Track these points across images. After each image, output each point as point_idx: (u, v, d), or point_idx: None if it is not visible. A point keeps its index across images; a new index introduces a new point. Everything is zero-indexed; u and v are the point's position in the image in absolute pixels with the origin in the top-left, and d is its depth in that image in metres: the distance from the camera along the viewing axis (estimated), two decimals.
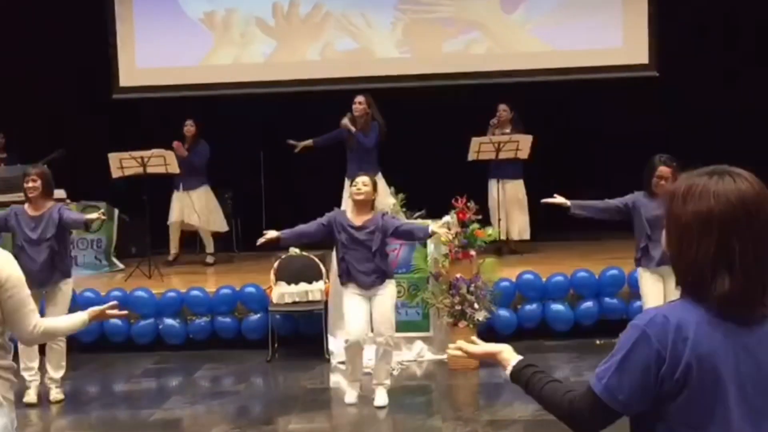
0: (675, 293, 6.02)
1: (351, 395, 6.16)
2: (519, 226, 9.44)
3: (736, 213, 1.75)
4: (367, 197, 6.10)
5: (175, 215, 9.57)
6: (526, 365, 2.06)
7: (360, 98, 8.64)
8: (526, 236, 9.49)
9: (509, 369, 2.08)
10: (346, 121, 8.57)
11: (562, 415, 1.93)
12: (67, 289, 6.40)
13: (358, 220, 6.10)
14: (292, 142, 9.09)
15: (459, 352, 2.25)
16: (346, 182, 8.74)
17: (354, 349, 6.05)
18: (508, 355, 2.11)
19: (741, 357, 1.78)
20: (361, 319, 6.02)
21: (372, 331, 6.18)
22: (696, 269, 1.79)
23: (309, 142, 9.06)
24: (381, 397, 6.08)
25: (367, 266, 6.02)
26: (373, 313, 6.06)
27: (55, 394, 6.34)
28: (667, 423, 1.81)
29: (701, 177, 1.82)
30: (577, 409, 1.89)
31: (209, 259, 9.77)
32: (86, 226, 7.24)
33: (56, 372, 6.36)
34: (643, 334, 1.80)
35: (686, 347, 1.76)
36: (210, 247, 9.80)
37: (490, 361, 2.18)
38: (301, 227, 6.16)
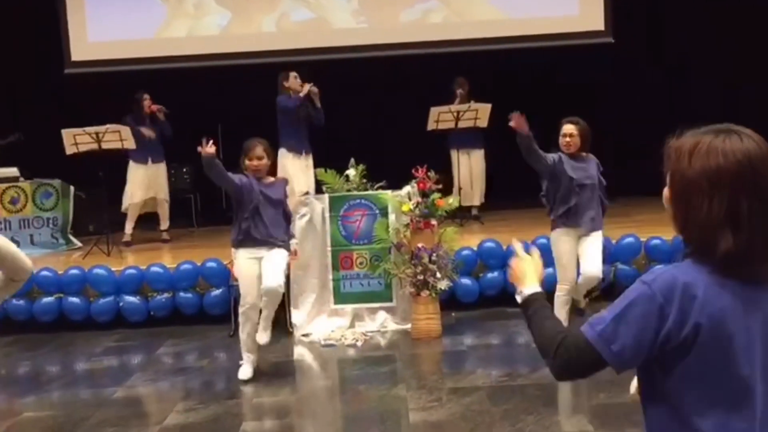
0: (588, 256, 6.04)
1: (246, 371, 6.04)
2: (481, 194, 9.62)
3: (744, 171, 1.75)
4: (265, 171, 6.02)
5: (143, 193, 9.34)
6: (538, 297, 2.05)
7: (294, 73, 8.63)
8: (478, 203, 9.74)
9: (522, 295, 2.06)
10: (314, 88, 8.48)
11: (549, 353, 1.90)
12: None
13: (264, 185, 6.03)
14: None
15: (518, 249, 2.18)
16: (291, 156, 8.59)
17: (249, 313, 5.96)
18: (531, 281, 2.09)
19: (751, 316, 1.79)
20: (256, 283, 5.93)
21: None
22: (705, 228, 1.78)
23: None
24: (261, 336, 6.00)
25: (270, 230, 5.94)
26: (264, 267, 5.93)
27: None
28: (679, 381, 1.81)
29: (707, 135, 1.81)
30: (565, 350, 1.86)
31: (166, 236, 9.69)
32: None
33: None
34: (648, 289, 1.80)
35: (694, 306, 1.76)
36: (166, 223, 9.70)
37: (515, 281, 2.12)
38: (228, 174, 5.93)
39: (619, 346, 1.81)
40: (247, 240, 5.97)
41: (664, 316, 1.78)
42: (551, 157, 6.01)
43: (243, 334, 6.05)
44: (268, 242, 5.97)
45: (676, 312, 1.77)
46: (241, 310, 6.05)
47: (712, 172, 1.77)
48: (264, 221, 5.95)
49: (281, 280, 5.97)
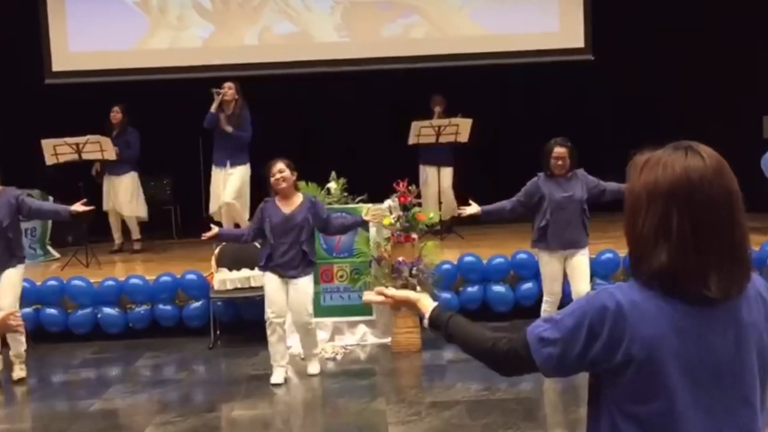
0: (575, 276, 6.14)
1: (278, 375, 6.24)
2: (452, 209, 9.59)
3: (678, 184, 1.72)
4: (289, 184, 6.16)
5: (110, 203, 9.52)
6: (441, 311, 2.13)
7: (230, 84, 8.65)
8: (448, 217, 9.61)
9: (428, 315, 2.15)
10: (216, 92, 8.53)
11: (486, 351, 1.94)
12: (19, 273, 6.44)
13: (287, 208, 6.16)
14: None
15: (377, 297, 2.30)
16: (215, 171, 8.77)
17: (274, 327, 6.14)
18: (426, 302, 2.19)
19: (688, 339, 1.71)
20: (281, 299, 6.14)
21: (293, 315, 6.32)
22: (640, 243, 1.76)
23: None
24: (313, 367, 6.39)
25: (292, 254, 6.11)
26: (291, 300, 6.17)
27: (18, 371, 6.46)
28: (616, 395, 1.78)
29: (662, 150, 1.80)
30: (506, 349, 1.90)
31: (136, 246, 9.69)
32: (71, 217, 6.84)
33: (17, 348, 6.48)
34: (585, 306, 1.79)
35: (626, 331, 1.72)
36: (136, 233, 9.72)
37: (408, 309, 2.29)
38: (236, 230, 6.45)
39: (547, 353, 1.82)
40: (269, 265, 6.15)
41: (593, 335, 1.75)
42: (521, 197, 6.27)
43: (271, 347, 6.21)
44: (288, 272, 6.12)
45: (607, 336, 1.74)
46: (267, 320, 6.16)
47: (651, 185, 1.75)
48: (282, 250, 6.09)
49: (309, 318, 6.21)
